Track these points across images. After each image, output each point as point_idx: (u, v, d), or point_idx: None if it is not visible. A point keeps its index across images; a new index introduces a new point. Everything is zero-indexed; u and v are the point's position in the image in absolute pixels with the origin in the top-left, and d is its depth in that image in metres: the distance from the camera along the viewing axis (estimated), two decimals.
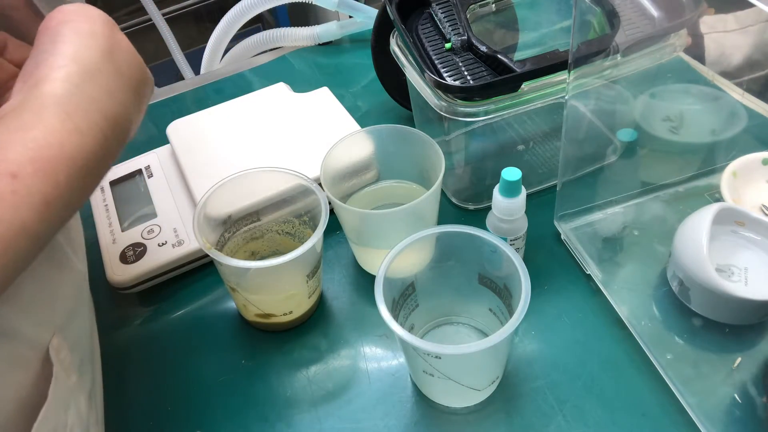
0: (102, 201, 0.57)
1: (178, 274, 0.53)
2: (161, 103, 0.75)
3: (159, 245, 0.52)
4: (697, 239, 0.43)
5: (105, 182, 0.58)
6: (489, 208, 0.46)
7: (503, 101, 0.46)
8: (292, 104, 0.63)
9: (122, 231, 0.53)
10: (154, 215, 0.55)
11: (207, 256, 0.46)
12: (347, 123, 0.59)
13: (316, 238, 0.42)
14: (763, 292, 0.42)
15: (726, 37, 0.42)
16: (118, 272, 0.50)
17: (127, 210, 0.56)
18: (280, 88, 0.65)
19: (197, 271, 0.53)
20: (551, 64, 0.46)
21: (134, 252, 0.51)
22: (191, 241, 0.52)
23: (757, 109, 0.49)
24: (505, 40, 0.59)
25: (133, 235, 0.53)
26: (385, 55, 0.55)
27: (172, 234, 0.53)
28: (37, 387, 0.31)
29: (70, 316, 0.35)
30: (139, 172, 0.59)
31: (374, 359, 0.46)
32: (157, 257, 0.51)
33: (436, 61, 0.49)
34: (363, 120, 0.61)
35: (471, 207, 0.57)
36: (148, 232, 0.53)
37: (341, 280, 0.52)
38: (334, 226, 0.52)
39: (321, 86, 0.65)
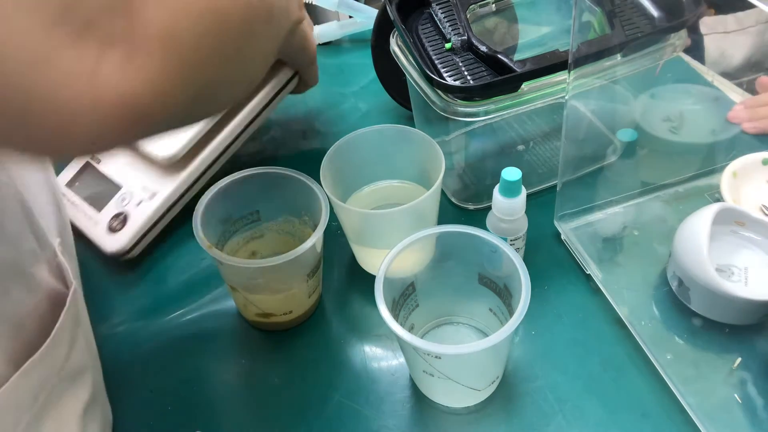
0: (69, 203, 0.57)
1: (167, 225, 0.55)
2: None
3: (137, 205, 0.54)
4: (697, 239, 0.43)
5: (64, 188, 0.59)
6: (489, 208, 0.46)
7: (503, 101, 0.46)
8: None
9: (98, 212, 0.55)
10: (118, 187, 0.56)
11: (188, 194, 0.53)
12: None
13: (316, 237, 0.42)
14: (763, 292, 0.42)
15: (726, 37, 0.42)
16: (112, 242, 0.52)
17: (94, 196, 0.57)
18: None
19: (198, 272, 0.53)
20: (551, 64, 0.46)
21: (118, 220, 0.53)
22: (163, 187, 0.54)
23: None
24: (505, 40, 0.59)
25: (110, 210, 0.55)
26: (385, 55, 0.55)
27: (143, 191, 0.54)
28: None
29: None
30: (87, 164, 0.59)
31: (374, 359, 0.46)
32: (141, 215, 0.53)
33: (436, 61, 0.49)
34: (363, 120, 0.61)
35: (471, 207, 0.57)
36: (122, 200, 0.55)
37: (341, 280, 0.52)
38: (334, 226, 0.52)
39: (321, 86, 0.65)
